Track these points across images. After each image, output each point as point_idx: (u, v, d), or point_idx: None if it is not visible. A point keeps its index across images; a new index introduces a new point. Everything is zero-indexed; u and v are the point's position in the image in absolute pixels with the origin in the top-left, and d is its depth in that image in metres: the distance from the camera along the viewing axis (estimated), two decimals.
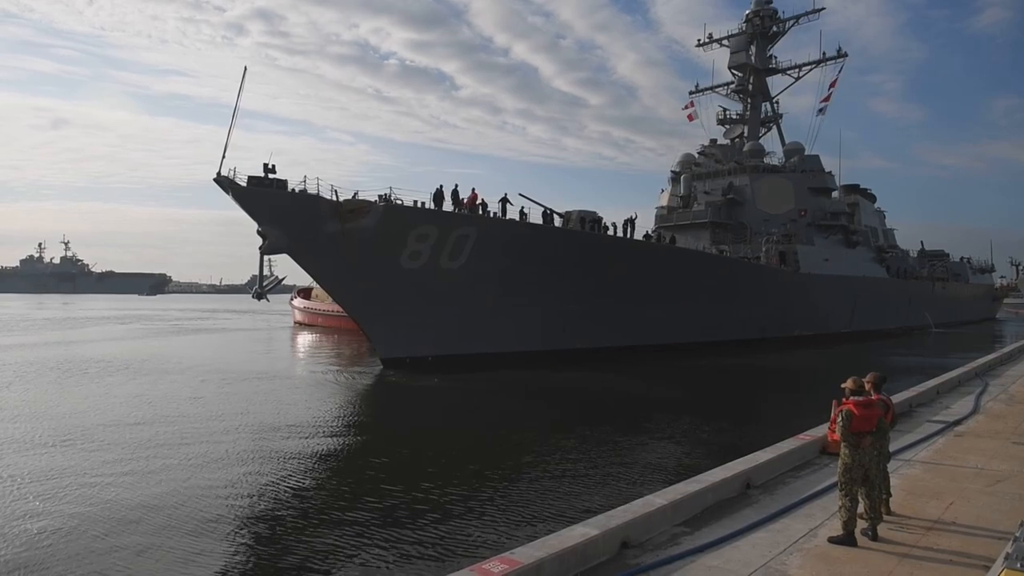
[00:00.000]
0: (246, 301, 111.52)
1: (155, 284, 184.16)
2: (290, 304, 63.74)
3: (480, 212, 26.61)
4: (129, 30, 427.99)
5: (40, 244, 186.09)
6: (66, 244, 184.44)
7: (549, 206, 29.29)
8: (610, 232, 31.28)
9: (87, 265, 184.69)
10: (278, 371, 26.87)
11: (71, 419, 16.15)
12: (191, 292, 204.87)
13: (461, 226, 25.25)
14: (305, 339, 43.82)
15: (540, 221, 28.85)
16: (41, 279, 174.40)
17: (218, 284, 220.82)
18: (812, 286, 41.85)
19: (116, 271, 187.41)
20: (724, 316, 35.37)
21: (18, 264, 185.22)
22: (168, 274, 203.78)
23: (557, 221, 29.81)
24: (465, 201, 26.31)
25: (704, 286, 33.68)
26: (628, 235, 32.08)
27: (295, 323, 58.57)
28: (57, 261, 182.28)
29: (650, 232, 37.93)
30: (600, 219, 30.96)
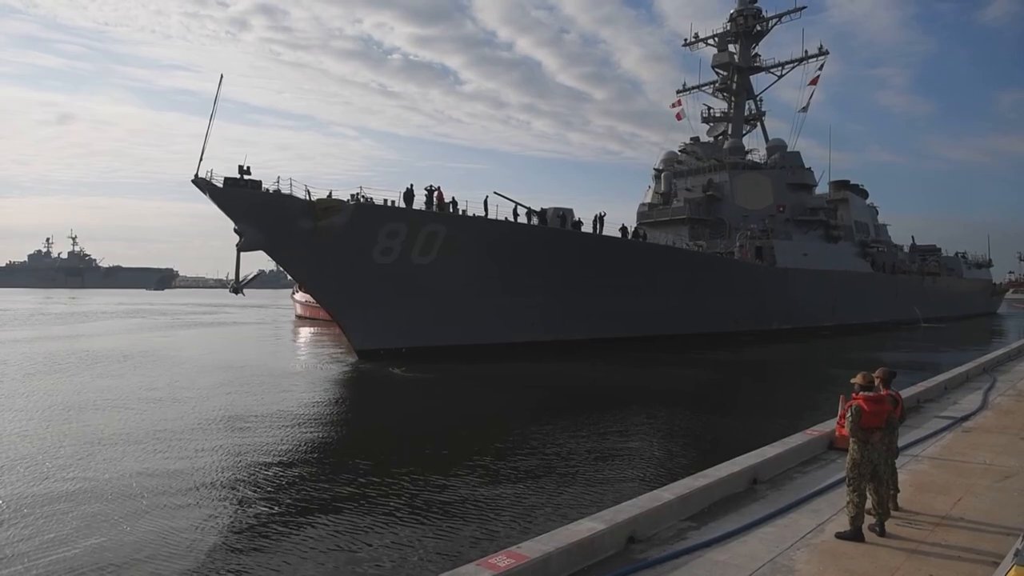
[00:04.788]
0: (249, 296, 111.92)
1: (162, 278, 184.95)
2: (292, 298, 64.23)
3: (450, 210, 27.47)
4: (133, 25, 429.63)
5: (48, 239, 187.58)
6: (73, 239, 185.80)
7: (523, 203, 30.24)
8: (583, 228, 31.93)
9: (94, 260, 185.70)
10: (276, 363, 27.18)
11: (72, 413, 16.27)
12: (198, 287, 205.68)
13: (429, 223, 26.21)
14: (305, 332, 44.43)
15: (511, 217, 29.60)
16: (49, 274, 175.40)
17: (225, 278, 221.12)
18: (789, 280, 42.16)
19: (123, 266, 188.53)
20: (700, 309, 35.86)
21: (26, 259, 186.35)
22: (175, 268, 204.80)
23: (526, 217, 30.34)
24: (435, 199, 27.21)
25: (680, 280, 34.34)
26: (598, 231, 32.65)
27: (297, 317, 59.00)
28: (65, 256, 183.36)
29: (637, 229, 38.28)
30: (566, 216, 31.42)
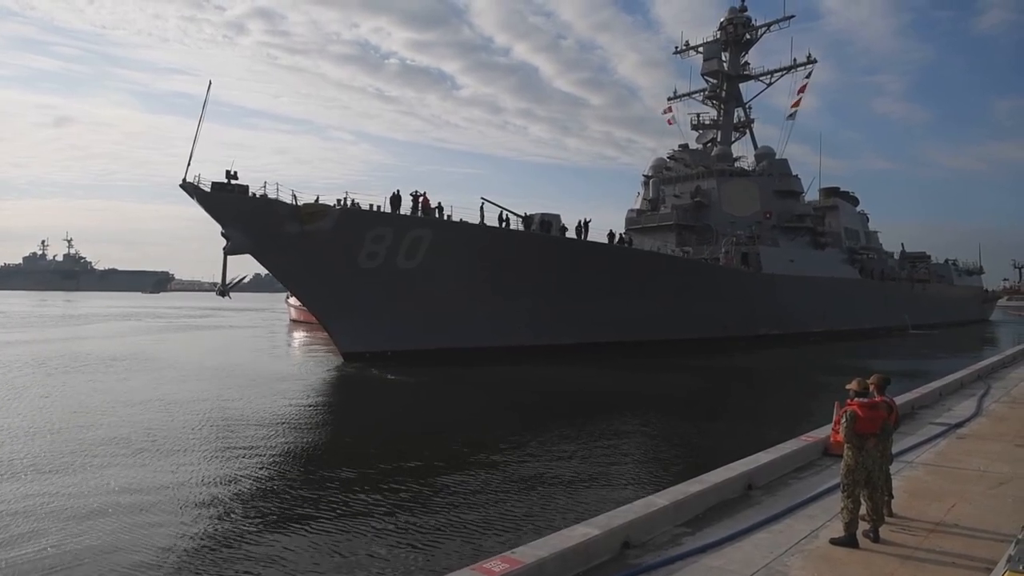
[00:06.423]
0: (242, 300, 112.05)
1: (158, 282, 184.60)
2: (286, 302, 64.30)
3: (437, 215, 27.69)
4: (130, 28, 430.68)
5: (43, 241, 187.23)
6: (69, 241, 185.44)
7: (512, 209, 30.61)
8: (568, 235, 32.21)
9: (90, 263, 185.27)
10: (267, 367, 27.25)
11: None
12: (193, 290, 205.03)
13: (415, 228, 26.45)
14: (299, 336, 44.51)
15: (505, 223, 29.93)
16: (44, 276, 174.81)
17: None
18: (776, 286, 42.41)
19: (119, 268, 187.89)
20: (689, 314, 36.07)
21: (21, 261, 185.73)
22: (171, 272, 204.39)
23: (514, 222, 30.59)
24: (420, 205, 27.43)
25: (668, 285, 34.63)
26: (583, 238, 32.86)
27: (291, 321, 59.10)
28: (60, 258, 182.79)
29: (622, 235, 38.49)
30: (550, 223, 31.60)
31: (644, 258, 36.41)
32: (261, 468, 11.87)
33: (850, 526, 5.78)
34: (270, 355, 33.82)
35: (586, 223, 33.13)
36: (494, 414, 18.45)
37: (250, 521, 9.19)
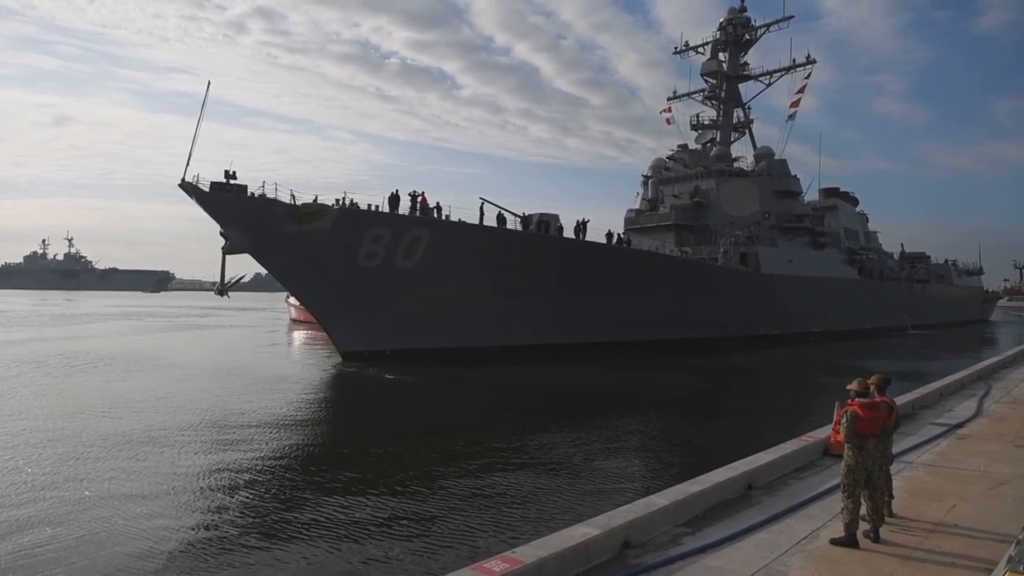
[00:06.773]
0: (242, 299, 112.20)
1: (158, 281, 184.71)
2: (286, 302, 64.34)
3: (435, 215, 27.81)
4: (131, 28, 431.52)
5: (44, 241, 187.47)
6: (70, 241, 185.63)
7: (511, 209, 30.75)
8: (566, 234, 32.26)
9: (90, 262, 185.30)
10: (266, 366, 27.25)
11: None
12: (194, 289, 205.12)
13: (413, 228, 26.55)
14: (299, 336, 44.62)
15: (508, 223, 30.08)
16: (44, 276, 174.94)
17: None
18: (775, 286, 42.43)
19: (119, 268, 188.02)
20: (689, 314, 36.15)
21: (22, 260, 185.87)
22: (171, 271, 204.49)
23: (511, 222, 30.64)
24: (419, 205, 27.56)
25: (668, 285, 34.75)
26: (580, 238, 32.97)
27: (291, 320, 59.14)
28: (61, 258, 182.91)
29: (620, 235, 38.56)
30: (548, 223, 31.65)
31: (643, 258, 36.46)
32: (260, 468, 11.86)
33: (850, 526, 5.78)
34: (270, 354, 33.83)
35: (584, 223, 33.17)
36: (494, 414, 18.43)
37: (248, 521, 9.19)
